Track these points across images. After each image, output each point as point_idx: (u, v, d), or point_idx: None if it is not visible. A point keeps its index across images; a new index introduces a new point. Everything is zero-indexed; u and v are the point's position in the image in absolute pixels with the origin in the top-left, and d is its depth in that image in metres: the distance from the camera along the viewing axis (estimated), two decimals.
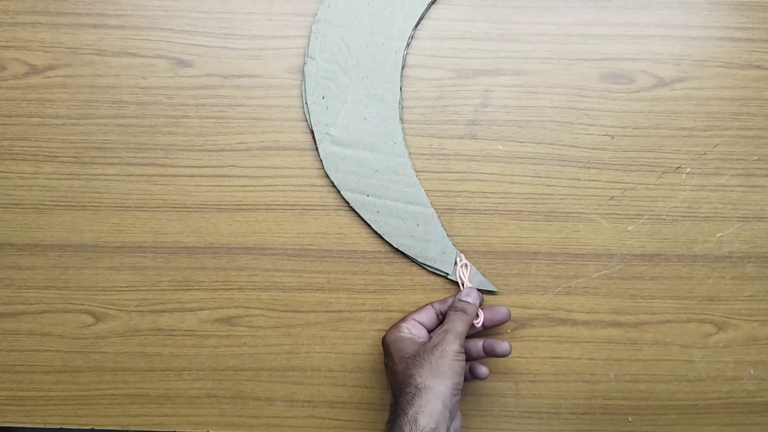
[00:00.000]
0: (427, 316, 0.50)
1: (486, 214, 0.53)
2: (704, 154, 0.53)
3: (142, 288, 0.54)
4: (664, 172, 0.53)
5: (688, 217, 0.53)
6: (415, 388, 0.43)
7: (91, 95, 0.53)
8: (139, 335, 0.54)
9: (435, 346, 0.45)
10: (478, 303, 0.50)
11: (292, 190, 0.53)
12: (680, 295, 0.53)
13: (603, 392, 0.54)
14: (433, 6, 0.52)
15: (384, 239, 0.53)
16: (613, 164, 0.53)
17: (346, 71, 0.51)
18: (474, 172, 0.53)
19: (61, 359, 0.55)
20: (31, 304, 0.54)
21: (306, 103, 0.52)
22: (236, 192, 0.53)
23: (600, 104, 0.52)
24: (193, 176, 0.53)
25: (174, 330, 0.54)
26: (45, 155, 0.53)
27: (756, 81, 0.52)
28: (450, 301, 0.50)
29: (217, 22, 0.52)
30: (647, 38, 0.52)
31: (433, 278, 0.54)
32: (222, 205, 0.53)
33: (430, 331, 0.50)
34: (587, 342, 0.54)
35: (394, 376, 0.47)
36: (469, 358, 0.49)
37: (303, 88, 0.52)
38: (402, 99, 0.52)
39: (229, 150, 0.53)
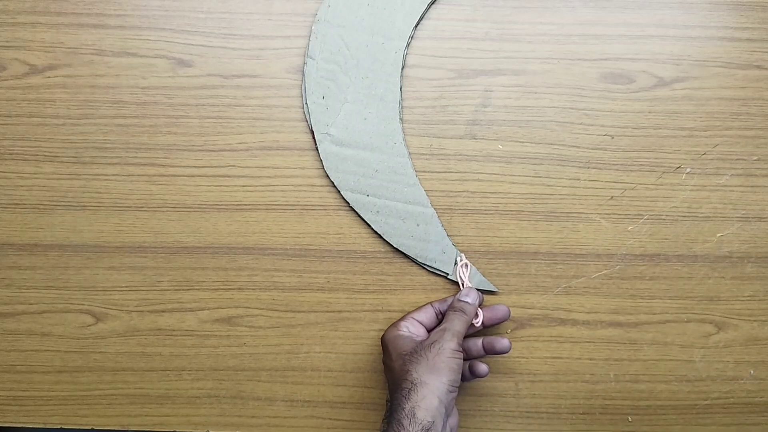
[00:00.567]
0: (427, 315, 0.50)
1: (486, 214, 0.53)
2: (704, 154, 0.53)
3: (142, 288, 0.54)
4: (664, 172, 0.53)
5: (688, 217, 0.53)
6: (411, 383, 0.43)
7: (91, 95, 0.53)
8: (139, 335, 0.54)
9: (432, 344, 0.45)
10: (477, 303, 0.50)
11: (292, 190, 0.53)
12: (680, 295, 0.53)
13: (603, 392, 0.54)
14: (433, 6, 0.52)
15: (384, 239, 0.53)
16: (613, 164, 0.53)
17: (346, 71, 0.51)
18: (474, 172, 0.53)
19: (61, 359, 0.55)
20: (31, 304, 0.54)
21: (306, 103, 0.52)
22: (236, 192, 0.53)
23: (600, 104, 0.52)
24: (193, 176, 0.53)
25: (174, 330, 0.54)
26: (45, 155, 0.53)
27: (756, 81, 0.52)
28: (450, 300, 0.50)
29: (217, 22, 0.52)
30: (647, 38, 0.52)
31: (433, 278, 0.54)
32: (222, 205, 0.53)
33: (429, 331, 0.50)
34: (587, 342, 0.54)
35: (391, 373, 0.47)
36: (469, 356, 0.50)
37: (303, 88, 0.52)
38: (402, 99, 0.52)
39: (229, 150, 0.53)
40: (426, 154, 0.53)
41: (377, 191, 0.52)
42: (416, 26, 0.52)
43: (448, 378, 0.44)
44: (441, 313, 0.50)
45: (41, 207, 0.53)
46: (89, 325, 0.54)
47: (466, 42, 0.52)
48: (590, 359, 0.54)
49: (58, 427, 0.55)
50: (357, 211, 0.52)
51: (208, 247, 0.54)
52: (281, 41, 0.52)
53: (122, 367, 0.55)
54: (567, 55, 0.52)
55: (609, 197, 0.53)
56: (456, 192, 0.53)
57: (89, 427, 0.55)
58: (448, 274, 0.53)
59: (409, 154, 0.52)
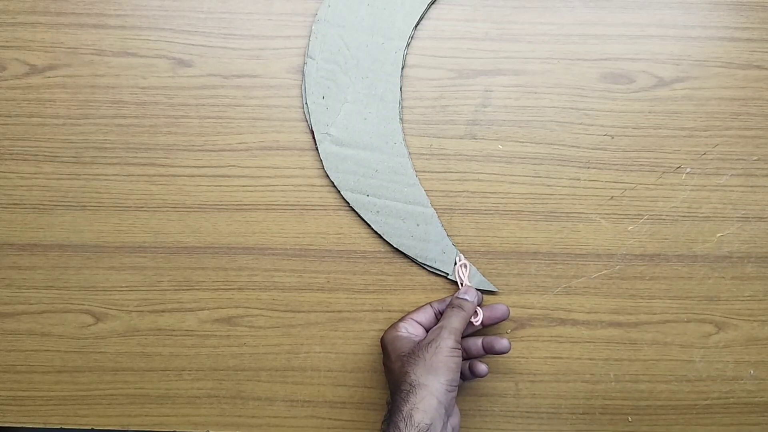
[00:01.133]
0: (426, 315, 0.50)
1: (486, 214, 0.53)
2: (704, 154, 0.53)
3: (142, 288, 0.54)
4: (664, 172, 0.53)
5: (688, 217, 0.53)
6: (410, 385, 0.43)
7: (91, 95, 0.53)
8: (139, 335, 0.54)
9: (429, 343, 0.45)
10: (476, 301, 0.50)
11: (292, 190, 0.53)
12: (680, 295, 0.53)
13: (603, 392, 0.54)
14: (433, 6, 0.52)
15: (384, 239, 0.53)
16: (613, 164, 0.53)
17: (346, 71, 0.51)
18: (474, 172, 0.53)
19: (61, 359, 0.55)
20: (31, 304, 0.54)
21: (306, 103, 0.52)
22: (236, 192, 0.53)
23: (600, 104, 0.52)
24: (193, 176, 0.53)
25: (174, 330, 0.54)
26: (45, 155, 0.53)
27: (756, 81, 0.52)
28: (449, 300, 0.50)
29: (217, 22, 0.52)
30: (647, 38, 0.52)
31: (433, 278, 0.54)
32: (222, 205, 0.53)
33: (428, 331, 0.50)
34: (587, 342, 0.54)
35: (391, 374, 0.47)
36: (469, 356, 0.50)
37: (303, 88, 0.52)
38: (402, 99, 0.52)
39: (229, 150, 0.53)
40: (426, 154, 0.53)
41: (377, 191, 0.52)
42: (416, 26, 0.52)
43: (446, 378, 0.44)
44: (440, 313, 0.50)
45: (41, 207, 0.53)
46: (89, 325, 0.54)
47: (466, 42, 0.52)
48: (590, 359, 0.54)
49: (58, 427, 0.55)
50: (357, 211, 0.52)
51: (208, 247, 0.54)
52: (281, 41, 0.52)
53: (122, 367, 0.55)
54: (567, 55, 0.52)
55: (609, 197, 0.53)
56: (456, 192, 0.53)
57: (89, 427, 0.55)
58: (447, 274, 0.53)
59: (409, 154, 0.52)
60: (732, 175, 0.53)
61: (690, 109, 0.52)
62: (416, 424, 0.41)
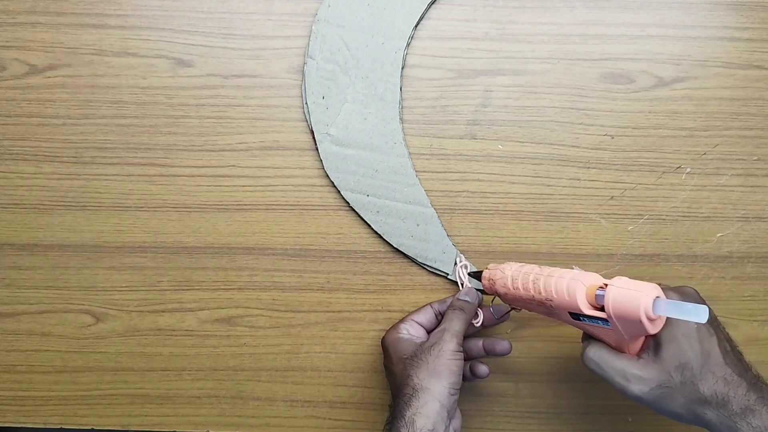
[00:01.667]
0: (426, 316, 0.50)
1: (486, 214, 0.53)
2: (704, 154, 0.53)
3: (142, 288, 0.54)
4: (664, 172, 0.53)
5: (688, 217, 0.53)
6: (413, 389, 0.43)
7: (91, 95, 0.53)
8: (139, 335, 0.54)
9: (432, 346, 0.45)
10: (476, 302, 0.50)
11: (292, 190, 0.53)
12: None
13: (603, 392, 0.54)
14: (433, 6, 0.52)
15: (384, 239, 0.53)
16: (613, 164, 0.53)
17: (346, 71, 0.51)
18: (474, 172, 0.53)
19: (61, 359, 0.55)
20: (31, 304, 0.54)
21: (306, 103, 0.52)
22: (236, 192, 0.53)
23: (600, 104, 0.52)
24: (193, 176, 0.53)
25: (174, 330, 0.54)
26: (45, 155, 0.53)
27: (756, 81, 0.52)
28: (449, 301, 0.50)
29: (217, 22, 0.52)
30: (647, 38, 0.52)
31: (433, 278, 0.54)
32: (222, 205, 0.53)
33: (429, 332, 0.50)
34: None
35: (392, 377, 0.47)
36: (470, 357, 0.49)
37: (303, 88, 0.52)
38: (402, 99, 0.52)
39: (229, 150, 0.53)
40: (426, 154, 0.53)
41: (377, 191, 0.52)
42: (416, 26, 0.52)
43: (449, 381, 0.43)
44: (440, 313, 0.50)
45: (41, 207, 0.53)
46: (89, 325, 0.54)
47: (466, 42, 0.52)
48: None
49: (58, 427, 0.55)
50: (357, 211, 0.52)
51: (208, 247, 0.54)
52: (281, 41, 0.52)
53: (122, 367, 0.55)
54: (567, 55, 0.52)
55: (609, 197, 0.53)
56: (456, 192, 0.53)
57: (89, 427, 0.55)
58: (448, 274, 0.53)
59: (409, 154, 0.52)
60: (732, 175, 0.53)
61: (690, 109, 0.52)
62: (418, 430, 0.41)
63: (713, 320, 0.41)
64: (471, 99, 0.52)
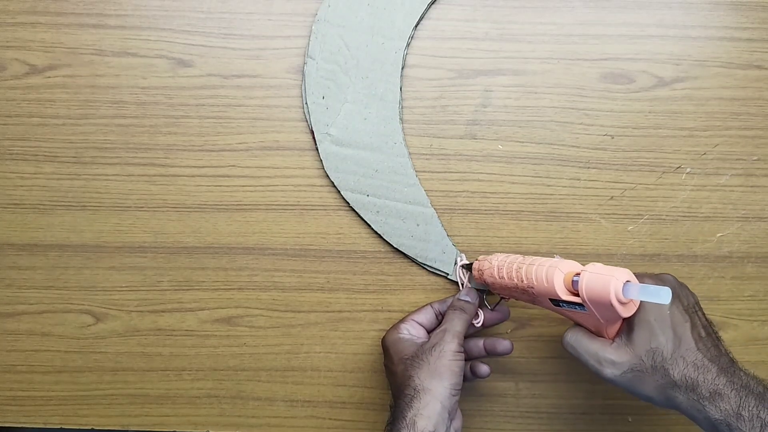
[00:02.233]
0: (427, 316, 0.50)
1: (486, 214, 0.53)
2: (704, 154, 0.53)
3: (142, 288, 0.54)
4: (664, 172, 0.53)
5: (688, 217, 0.53)
6: (414, 389, 0.43)
7: (91, 95, 0.53)
8: (139, 335, 0.54)
9: (433, 347, 0.45)
10: (477, 302, 0.50)
11: (292, 190, 0.53)
12: None
13: (603, 392, 0.54)
14: (433, 6, 0.52)
15: (384, 239, 0.53)
16: (613, 164, 0.53)
17: (346, 71, 0.51)
18: (474, 172, 0.53)
19: (61, 359, 0.55)
20: (31, 304, 0.54)
21: (306, 103, 0.52)
22: (236, 192, 0.53)
23: (600, 104, 0.52)
24: (193, 176, 0.53)
25: (174, 330, 0.54)
26: (45, 155, 0.53)
27: (756, 81, 0.52)
28: (449, 301, 0.50)
29: (217, 22, 0.52)
30: (647, 38, 0.52)
31: (433, 278, 0.54)
32: (222, 205, 0.53)
33: (429, 332, 0.50)
34: None
35: (393, 377, 0.47)
36: (470, 357, 0.49)
37: (303, 88, 0.52)
38: (402, 99, 0.52)
39: (229, 150, 0.53)
40: (426, 154, 0.53)
41: (377, 191, 0.52)
42: (416, 26, 0.52)
43: (450, 382, 0.43)
44: (441, 313, 0.50)
45: (41, 207, 0.53)
46: (89, 325, 0.54)
47: (466, 42, 0.52)
48: None
49: (58, 427, 0.55)
50: (357, 211, 0.52)
51: (208, 247, 0.54)
52: (281, 41, 0.52)
53: (122, 367, 0.55)
54: (567, 55, 0.52)
55: (609, 197, 0.53)
56: (456, 192, 0.53)
57: (89, 427, 0.55)
58: (448, 274, 0.53)
59: (409, 154, 0.52)
60: (732, 175, 0.53)
61: (690, 109, 0.52)
62: (420, 431, 0.41)
63: (690, 306, 0.42)
64: (471, 99, 0.52)
